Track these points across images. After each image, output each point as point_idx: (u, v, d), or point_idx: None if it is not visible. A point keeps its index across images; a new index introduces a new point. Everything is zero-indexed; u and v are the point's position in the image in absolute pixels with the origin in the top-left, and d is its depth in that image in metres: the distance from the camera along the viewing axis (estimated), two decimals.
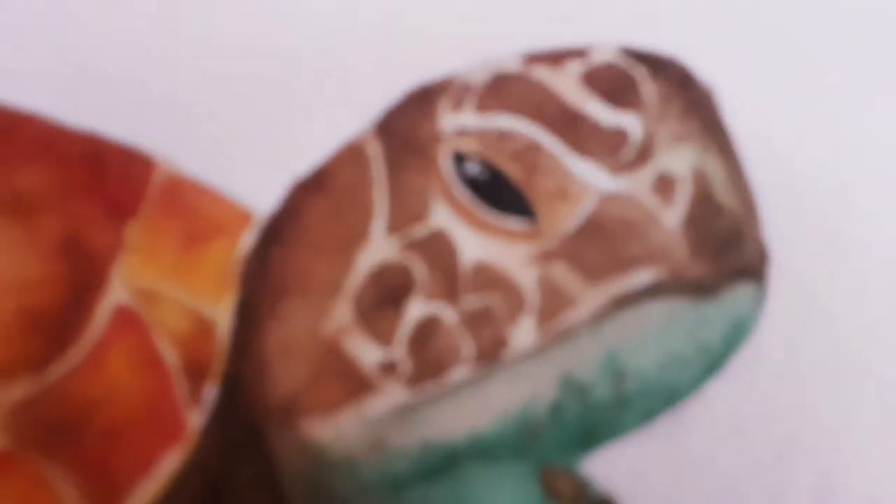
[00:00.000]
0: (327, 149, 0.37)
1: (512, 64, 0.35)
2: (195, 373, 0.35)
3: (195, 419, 0.35)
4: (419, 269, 0.33)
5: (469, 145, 0.33)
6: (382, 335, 0.33)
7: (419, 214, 0.34)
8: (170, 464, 0.34)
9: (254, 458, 0.35)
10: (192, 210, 0.38)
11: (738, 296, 0.33)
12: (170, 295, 0.36)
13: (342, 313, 0.34)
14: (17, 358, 0.34)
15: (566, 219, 0.32)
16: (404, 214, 0.34)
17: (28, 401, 0.34)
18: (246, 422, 0.35)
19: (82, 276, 0.35)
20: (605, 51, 0.34)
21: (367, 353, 0.33)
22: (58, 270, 0.35)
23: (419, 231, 0.34)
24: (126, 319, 0.35)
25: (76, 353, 0.34)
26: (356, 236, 0.34)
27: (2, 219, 0.36)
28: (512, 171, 0.33)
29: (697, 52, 0.37)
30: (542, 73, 0.34)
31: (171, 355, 0.35)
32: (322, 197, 0.36)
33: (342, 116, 0.38)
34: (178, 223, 0.37)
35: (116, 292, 0.35)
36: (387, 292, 0.34)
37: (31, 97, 0.40)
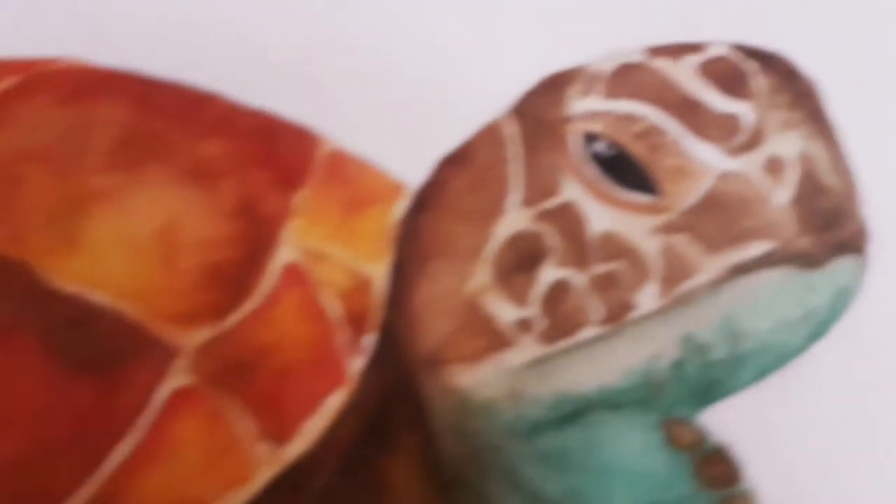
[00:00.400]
0: (470, 129, 0.39)
1: (635, 56, 0.37)
2: (355, 324, 0.39)
3: (355, 364, 0.38)
4: (551, 238, 0.36)
5: (597, 126, 0.35)
6: (518, 296, 0.36)
7: (551, 189, 0.36)
8: (333, 404, 0.38)
9: (406, 401, 0.38)
10: (351, 181, 0.42)
11: (841, 267, 0.34)
12: (333, 255, 0.40)
13: (482, 275, 0.36)
14: (200, 307, 0.38)
15: (687, 194, 0.34)
16: (538, 189, 0.36)
17: (210, 345, 0.38)
18: (399, 368, 0.38)
19: (256, 236, 0.39)
20: (719, 46, 0.36)
21: (504, 311, 0.36)
22: (236, 231, 0.39)
23: (551, 203, 0.36)
24: (294, 276, 0.39)
25: (251, 304, 0.38)
26: (494, 208, 0.37)
27: (187, 184, 0.40)
28: (636, 149, 0.35)
29: (799, 49, 0.38)
30: (663, 64, 0.36)
31: (334, 308, 0.39)
32: (464, 171, 0.38)
33: (484, 101, 0.39)
34: (340, 192, 0.41)
35: (286, 252, 0.39)
36: (522, 258, 0.36)
37: (212, 80, 0.43)
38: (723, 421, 0.41)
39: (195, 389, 0.38)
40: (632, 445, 0.38)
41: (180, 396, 0.37)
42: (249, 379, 0.38)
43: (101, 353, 0.38)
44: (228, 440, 0.37)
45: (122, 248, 0.39)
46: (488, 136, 0.38)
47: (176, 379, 0.37)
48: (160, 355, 0.38)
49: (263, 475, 0.37)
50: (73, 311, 0.38)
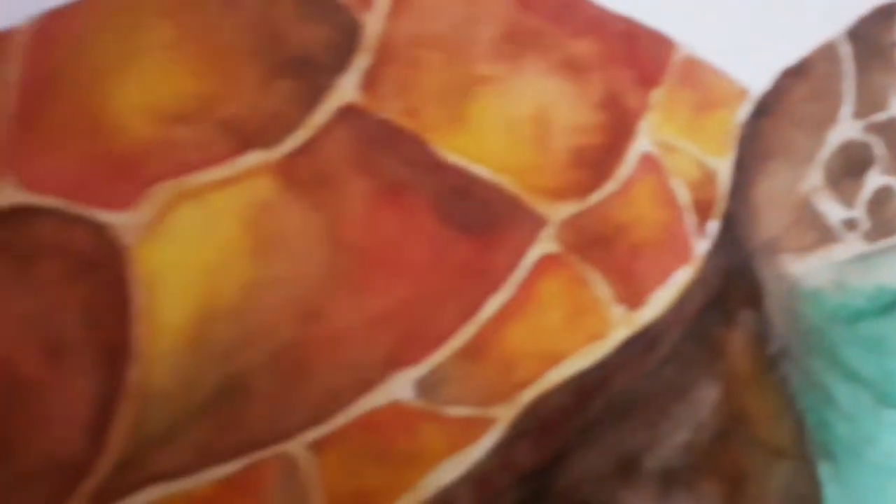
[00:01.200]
0: (809, 46, 0.44)
1: None
2: (701, 210, 0.43)
3: (700, 246, 0.42)
4: (878, 148, 0.40)
5: None
6: (846, 198, 0.40)
7: (881, 104, 0.40)
8: (681, 278, 0.42)
9: (743, 282, 0.43)
10: (701, 84, 0.45)
11: None
12: (683, 148, 0.44)
13: (815, 177, 0.41)
14: (567, 185, 0.42)
15: None
16: (868, 103, 0.41)
17: (574, 219, 0.42)
18: (738, 253, 0.43)
19: (618, 126, 0.44)
20: None
21: (833, 210, 0.41)
22: (600, 120, 0.43)
23: (880, 117, 0.40)
24: (649, 164, 0.43)
25: (611, 186, 0.43)
26: (828, 117, 0.42)
27: (560, 76, 0.44)
28: None
29: None
30: None
31: (683, 195, 0.43)
32: (803, 83, 0.43)
33: (823, 23, 0.44)
34: (691, 93, 0.45)
35: (642, 142, 0.43)
36: (851, 164, 0.41)
37: None
38: None
39: (560, 256, 0.42)
40: None
41: (547, 261, 0.41)
42: (607, 251, 0.42)
43: (480, 218, 0.42)
44: (589, 301, 0.41)
45: (502, 128, 0.43)
46: (825, 53, 0.43)
47: (543, 245, 0.41)
48: (531, 224, 0.42)
49: (618, 335, 0.41)
50: (459, 180, 0.42)
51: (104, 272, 0.42)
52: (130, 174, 0.43)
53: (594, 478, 0.44)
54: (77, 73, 0.45)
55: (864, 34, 0.43)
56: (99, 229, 0.42)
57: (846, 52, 0.43)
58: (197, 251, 0.42)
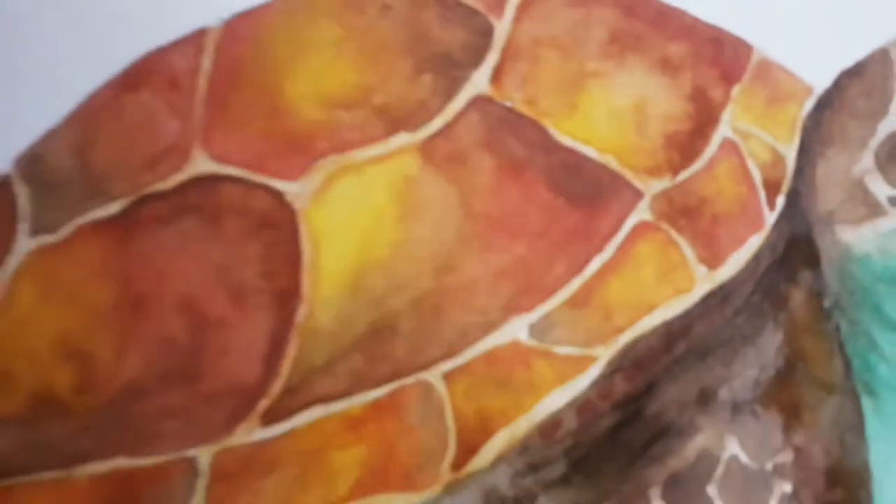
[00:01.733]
0: (865, 51, 0.46)
1: None
2: (771, 187, 0.46)
3: (769, 217, 0.46)
4: None
5: None
6: (892, 179, 0.44)
7: None
8: (754, 243, 0.45)
9: (805, 246, 0.46)
10: (773, 82, 0.48)
11: None
12: (757, 135, 0.47)
13: (866, 161, 0.44)
14: (661, 164, 0.46)
15: None
16: None
17: (665, 192, 0.46)
18: (800, 222, 0.46)
19: (704, 116, 0.47)
20: None
21: (881, 189, 0.44)
22: (690, 110, 0.47)
23: None
24: (730, 147, 0.46)
25: (698, 165, 0.46)
26: (879, 111, 0.45)
27: (657, 73, 0.47)
28: None
29: None
30: None
31: (756, 174, 0.46)
32: (859, 81, 0.46)
33: (883, 32, 0.46)
34: (765, 89, 0.48)
35: (724, 129, 0.46)
36: (894, 150, 0.45)
37: None
38: None
39: (653, 223, 0.45)
40: None
41: (642, 227, 0.45)
42: (692, 220, 0.45)
43: (587, 190, 0.45)
44: (676, 261, 0.44)
45: (607, 115, 0.46)
46: (879, 57, 0.46)
47: (640, 214, 0.45)
48: (629, 196, 0.45)
49: (701, 289, 0.44)
50: (569, 159, 0.46)
51: (279, 230, 0.45)
52: (301, 150, 0.46)
53: (677, 406, 0.46)
54: (258, 64, 0.48)
55: None
56: (275, 195, 0.45)
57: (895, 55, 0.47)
58: (354, 215, 0.45)
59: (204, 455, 0.44)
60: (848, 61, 0.47)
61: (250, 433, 0.44)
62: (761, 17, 0.51)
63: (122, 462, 0.44)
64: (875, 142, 0.45)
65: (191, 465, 0.44)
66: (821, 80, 0.48)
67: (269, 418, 0.44)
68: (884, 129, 0.45)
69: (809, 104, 0.47)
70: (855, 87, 0.46)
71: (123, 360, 0.45)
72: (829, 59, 0.48)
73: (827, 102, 0.47)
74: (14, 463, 0.45)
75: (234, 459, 0.44)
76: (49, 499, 0.45)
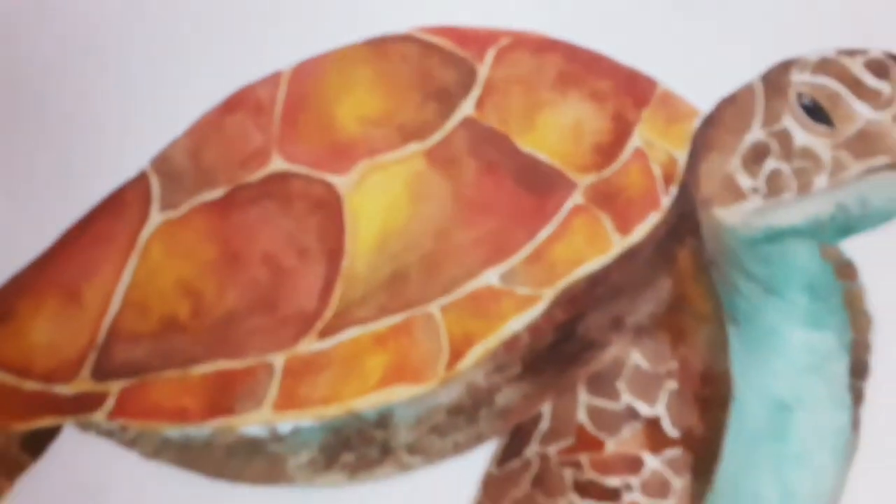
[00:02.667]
0: (737, 84, 0.49)
1: (828, 54, 0.47)
2: (667, 180, 0.50)
3: (666, 201, 0.50)
4: (773, 145, 0.46)
5: (805, 89, 0.46)
6: (753, 174, 0.47)
7: (777, 119, 0.47)
8: (654, 218, 0.49)
9: (691, 220, 0.49)
10: (672, 106, 0.51)
11: None
12: (659, 145, 0.51)
13: (735, 162, 0.47)
14: (590, 164, 0.50)
15: (849, 129, 0.45)
16: (770, 119, 0.47)
17: (593, 184, 0.50)
18: (688, 204, 0.49)
19: (621, 131, 0.51)
20: (875, 51, 0.46)
21: (745, 182, 0.47)
22: (612, 127, 0.51)
23: (776, 127, 0.46)
24: (639, 153, 0.50)
25: (617, 165, 0.50)
26: (746, 126, 0.47)
27: (589, 102, 0.51)
28: (825, 103, 0.45)
29: None
30: (844, 59, 0.46)
31: (657, 171, 0.50)
32: (733, 106, 0.49)
33: (749, 69, 0.48)
34: (665, 112, 0.51)
35: (635, 140, 0.51)
36: (757, 154, 0.47)
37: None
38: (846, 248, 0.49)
39: (584, 205, 0.50)
40: (804, 255, 0.48)
41: (577, 208, 0.50)
42: (612, 203, 0.50)
43: (540, 183, 0.50)
44: (600, 231, 0.49)
45: (555, 131, 0.50)
46: (747, 89, 0.48)
47: (575, 199, 0.50)
48: (568, 187, 0.50)
49: (616, 249, 0.49)
50: (529, 161, 0.50)
51: (329, 209, 0.50)
52: (345, 155, 0.51)
53: (597, 328, 0.50)
54: (316, 96, 0.52)
55: (770, 77, 0.48)
56: (327, 185, 0.50)
57: (759, 88, 0.48)
58: (380, 199, 0.50)
59: (278, 359, 0.49)
60: (725, 92, 0.50)
61: (310, 345, 0.49)
62: (663, 60, 0.52)
63: (222, 364, 0.49)
64: (742, 149, 0.48)
65: (269, 366, 0.49)
66: (705, 105, 0.50)
67: (323, 334, 0.49)
68: (748, 140, 0.48)
69: (697, 122, 0.50)
70: (729, 110, 0.49)
71: (223, 295, 0.50)
72: (712, 91, 0.50)
73: (709, 121, 0.50)
74: (148, 365, 0.50)
75: (298, 362, 0.49)
76: (172, 389, 0.49)
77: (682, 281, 0.50)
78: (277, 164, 0.51)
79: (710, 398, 0.49)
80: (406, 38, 0.52)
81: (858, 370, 0.49)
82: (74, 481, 0.51)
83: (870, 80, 0.45)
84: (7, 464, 0.51)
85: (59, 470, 0.51)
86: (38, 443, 0.51)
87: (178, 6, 0.54)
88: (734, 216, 0.48)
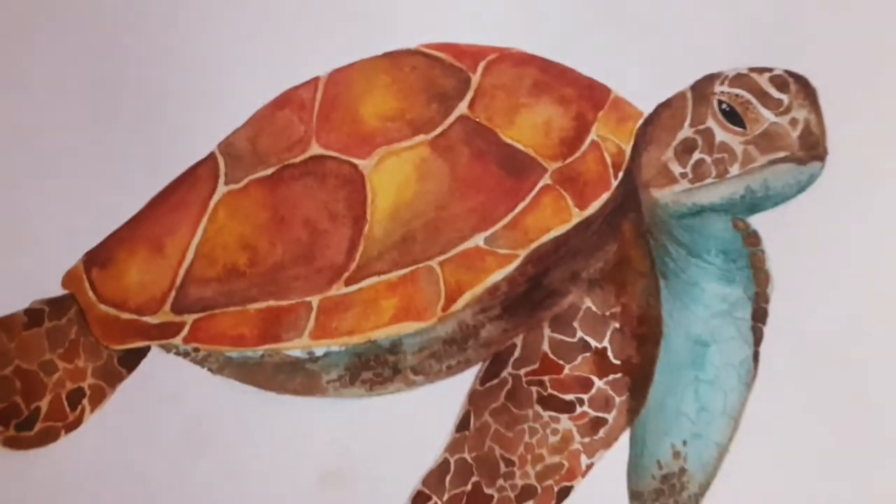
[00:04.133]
0: (671, 93, 0.48)
1: (742, 70, 0.47)
2: (616, 167, 0.49)
3: (614, 183, 0.49)
4: (700, 141, 0.46)
5: (725, 98, 0.46)
6: (682, 163, 0.47)
7: (702, 121, 0.47)
8: (604, 197, 0.49)
9: (634, 198, 0.49)
10: (622, 109, 0.50)
11: (814, 166, 0.45)
12: (611, 139, 0.50)
13: (669, 154, 0.47)
14: (557, 154, 0.49)
15: (757, 129, 0.45)
16: (696, 120, 0.47)
17: (559, 168, 0.49)
18: (631, 185, 0.49)
19: (581, 128, 0.50)
20: (778, 69, 0.46)
21: (676, 168, 0.47)
22: (575, 125, 0.50)
23: (701, 127, 0.46)
24: (595, 145, 0.50)
25: (577, 154, 0.50)
26: (678, 126, 0.47)
27: (556, 105, 0.50)
28: (739, 109, 0.46)
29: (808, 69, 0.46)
30: (755, 75, 0.46)
31: (608, 159, 0.50)
32: (668, 110, 0.48)
33: (681, 83, 0.48)
34: (616, 113, 0.50)
35: (592, 135, 0.50)
36: (686, 148, 0.47)
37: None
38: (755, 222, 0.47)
39: (552, 185, 0.49)
40: (719, 226, 0.48)
41: (546, 188, 0.49)
42: (572, 184, 0.49)
43: (518, 168, 0.49)
44: (563, 205, 0.49)
45: (530, 127, 0.50)
46: (680, 95, 0.48)
47: (545, 181, 0.49)
48: (540, 171, 0.49)
49: (575, 220, 0.49)
50: (509, 151, 0.49)
51: (355, 185, 0.50)
52: (367, 143, 0.50)
53: (559, 281, 0.50)
54: (346, 96, 0.51)
55: (697, 87, 0.48)
56: (354, 166, 0.50)
57: (689, 95, 0.48)
58: (393, 178, 0.50)
59: (315, 300, 0.49)
60: (662, 98, 0.49)
61: (338, 289, 0.48)
62: (615, 72, 0.51)
63: (272, 302, 0.49)
64: (674, 143, 0.47)
65: (308, 305, 0.49)
66: (647, 108, 0.50)
67: (348, 282, 0.49)
68: (679, 136, 0.47)
69: (640, 121, 0.50)
70: (665, 112, 0.48)
71: (273, 250, 0.49)
72: (654, 98, 0.50)
73: (650, 121, 0.49)
74: (215, 302, 0.50)
75: (330, 302, 0.49)
76: (233, 321, 0.49)
77: (625, 245, 0.50)
78: (315, 149, 0.50)
79: (644, 335, 0.49)
80: (415, 53, 0.51)
81: (759, 315, 0.48)
82: (158, 390, 0.51)
83: (774, 91, 0.45)
84: (109, 375, 0.51)
85: (147, 381, 0.51)
86: (132, 360, 0.51)
87: (245, 30, 0.53)
88: (667, 196, 0.47)
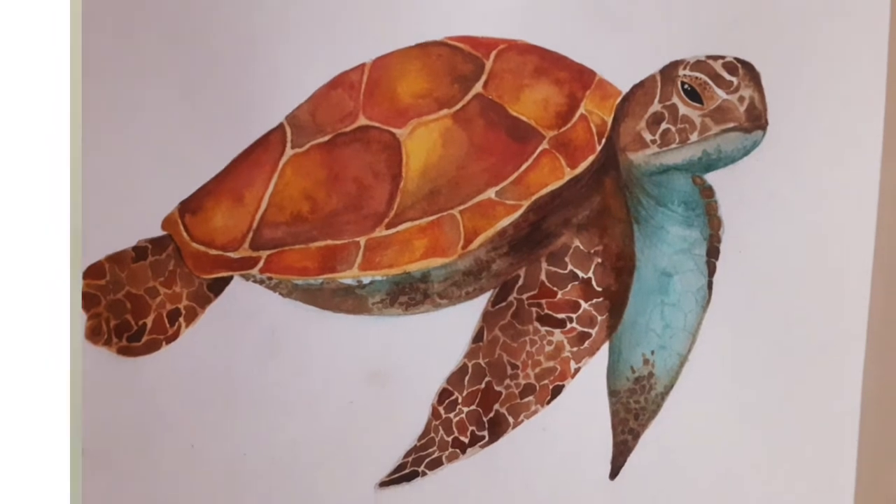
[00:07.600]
0: (644, 75, 0.49)
1: (701, 57, 0.48)
2: (600, 135, 0.51)
3: (598, 147, 0.51)
4: (666, 114, 0.48)
5: (686, 79, 0.48)
6: (652, 132, 0.48)
7: (669, 98, 0.47)
8: (590, 158, 0.50)
9: (614, 159, 0.51)
10: (604, 89, 0.51)
11: (758, 134, 0.47)
12: (596, 112, 0.51)
13: (641, 125, 0.49)
14: (553, 124, 0.51)
15: (712, 105, 0.47)
16: (664, 97, 0.48)
17: (555, 136, 0.50)
18: (612, 149, 0.51)
19: (572, 104, 0.51)
20: (730, 58, 0.48)
21: (647, 136, 0.48)
22: (567, 101, 0.51)
23: (667, 103, 0.48)
24: (583, 118, 0.51)
25: (569, 125, 0.51)
26: (649, 102, 0.48)
27: (553, 85, 0.51)
28: (698, 89, 0.47)
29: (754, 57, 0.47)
30: (710, 61, 0.48)
31: (594, 129, 0.51)
32: (641, 89, 0.49)
33: (652, 67, 0.49)
34: (600, 92, 0.51)
35: (581, 109, 0.51)
36: (656, 119, 0.48)
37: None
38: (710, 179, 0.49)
39: (549, 150, 0.51)
40: (682, 182, 0.50)
41: (544, 152, 0.51)
42: (566, 148, 0.51)
43: (523, 135, 0.51)
44: (558, 165, 0.50)
45: (532, 103, 0.51)
46: (651, 78, 0.49)
47: (543, 146, 0.51)
48: (539, 138, 0.51)
49: (567, 177, 0.50)
50: (516, 122, 0.50)
51: (393, 150, 0.51)
52: (403, 116, 0.51)
53: (555, 225, 0.51)
54: (386, 78, 0.52)
55: (665, 71, 0.49)
56: (392, 135, 0.51)
57: (658, 77, 0.49)
58: (423, 144, 0.51)
59: (362, 240, 0.50)
60: (636, 80, 0.51)
61: (380, 232, 0.50)
62: (601, 59, 0.51)
63: (329, 241, 0.51)
64: (646, 116, 0.49)
65: (357, 244, 0.50)
66: (624, 88, 0.51)
67: (388, 226, 0.50)
68: (650, 111, 0.49)
69: (619, 98, 0.51)
70: (639, 91, 0.50)
71: (329, 200, 0.51)
72: (630, 79, 0.49)
73: (627, 98, 0.50)
74: (284, 241, 0.51)
75: (374, 242, 0.50)
76: (299, 256, 0.51)
77: (606, 197, 0.51)
78: (362, 120, 0.51)
79: (621, 268, 0.51)
80: (441, 43, 0.52)
81: (712, 252, 0.50)
82: (240, 309, 0.52)
83: (726, 75, 0.48)
84: (200, 298, 0.53)
85: (231, 303, 0.52)
86: (218, 286, 0.52)
87: (308, 26, 0.52)
88: (640, 157, 0.49)
